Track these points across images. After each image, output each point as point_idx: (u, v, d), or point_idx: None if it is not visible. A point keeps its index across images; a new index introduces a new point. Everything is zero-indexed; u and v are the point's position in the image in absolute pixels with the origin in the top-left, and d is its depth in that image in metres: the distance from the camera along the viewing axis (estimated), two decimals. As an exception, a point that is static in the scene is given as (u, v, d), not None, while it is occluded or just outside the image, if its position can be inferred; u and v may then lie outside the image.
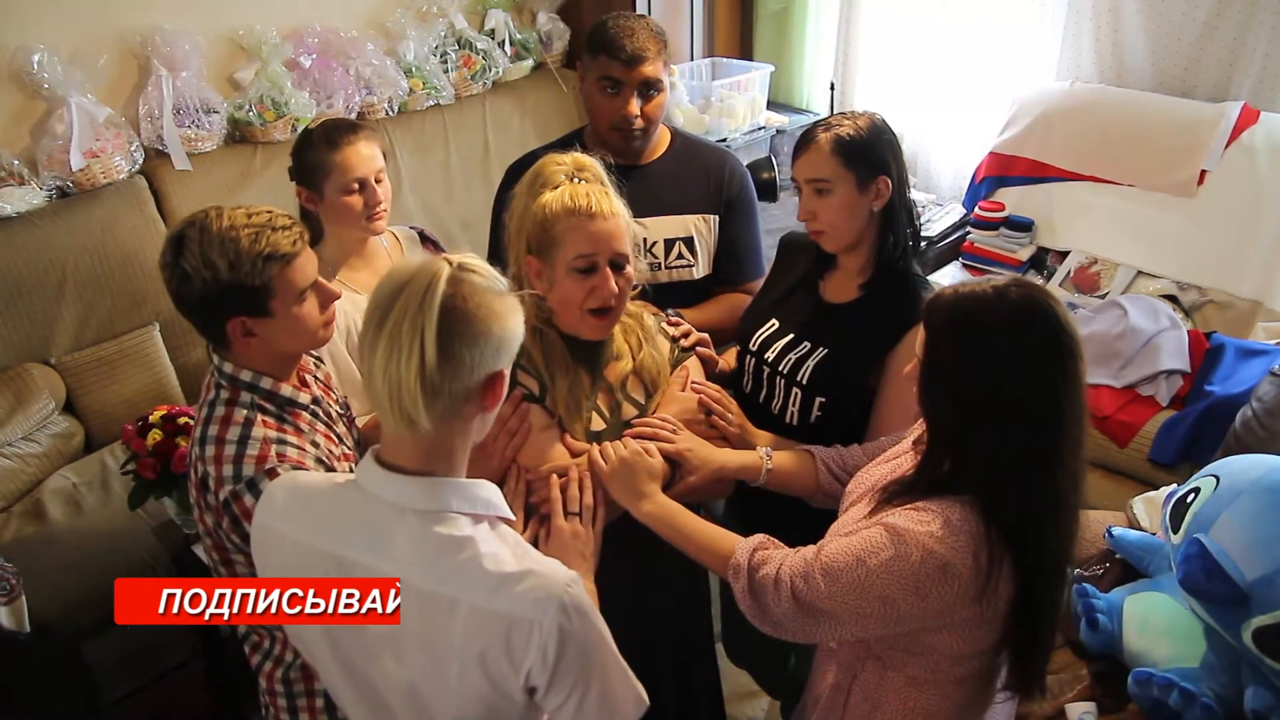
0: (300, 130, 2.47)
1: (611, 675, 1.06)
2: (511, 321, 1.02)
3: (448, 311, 0.97)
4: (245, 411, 1.33)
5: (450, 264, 1.00)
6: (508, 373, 1.05)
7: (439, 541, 1.01)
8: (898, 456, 1.34)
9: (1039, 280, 3.05)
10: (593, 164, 1.43)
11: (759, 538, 1.30)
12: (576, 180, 1.40)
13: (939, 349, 1.15)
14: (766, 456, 1.48)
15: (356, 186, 1.78)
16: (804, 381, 1.58)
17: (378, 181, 1.81)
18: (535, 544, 1.30)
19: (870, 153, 1.51)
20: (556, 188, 1.39)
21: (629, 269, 1.41)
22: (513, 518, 1.10)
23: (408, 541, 1.02)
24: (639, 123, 1.82)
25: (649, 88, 1.80)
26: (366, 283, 1.87)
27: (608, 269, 1.38)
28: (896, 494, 1.20)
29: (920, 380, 1.18)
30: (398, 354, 0.96)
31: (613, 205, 1.39)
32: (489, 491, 1.07)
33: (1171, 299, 2.83)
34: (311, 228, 1.51)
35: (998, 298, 1.12)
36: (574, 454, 1.41)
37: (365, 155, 1.79)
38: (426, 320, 0.96)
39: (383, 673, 1.07)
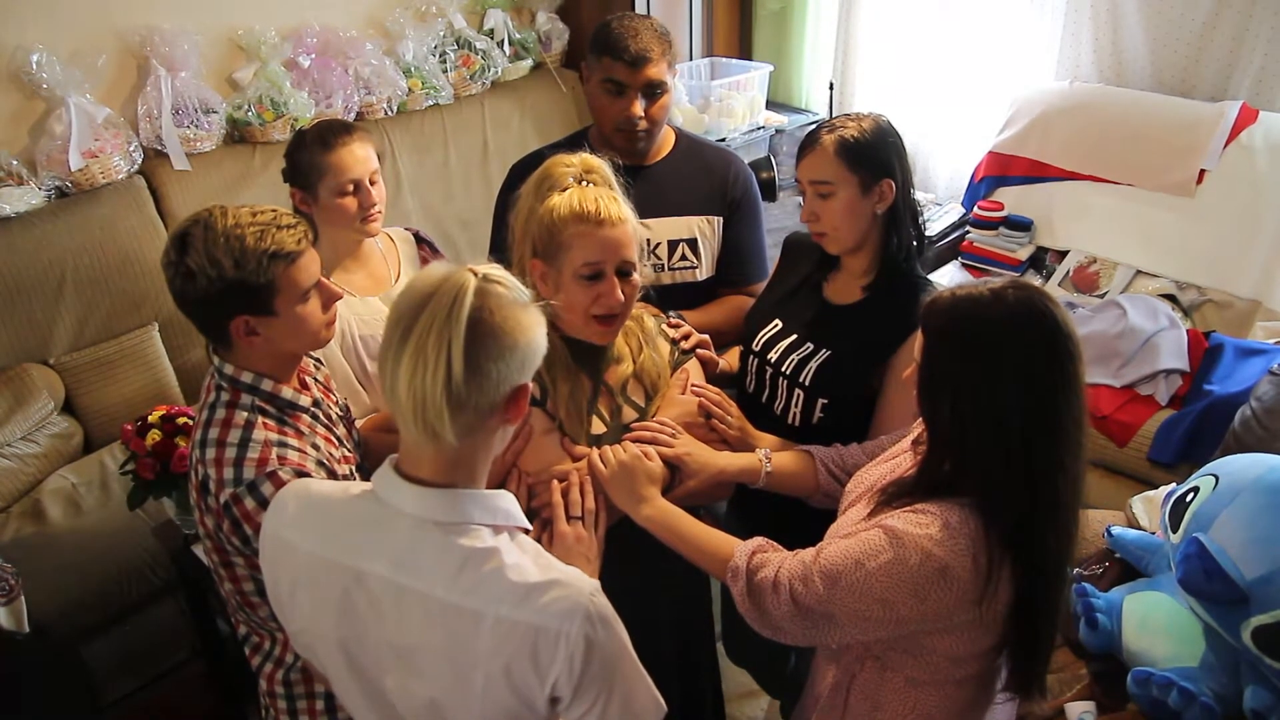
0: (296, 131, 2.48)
1: (633, 683, 1.05)
2: (536, 333, 1.01)
3: (475, 324, 0.95)
4: (246, 414, 1.33)
5: (475, 275, 0.99)
6: (530, 385, 1.04)
7: (462, 554, 1.00)
8: (896, 456, 1.34)
9: (1038, 280, 3.05)
10: (601, 166, 1.42)
11: (757, 541, 1.30)
12: (584, 183, 1.39)
13: (937, 353, 1.15)
14: (765, 459, 1.48)
15: (351, 188, 1.78)
16: (806, 383, 1.57)
17: (372, 183, 1.80)
18: None
19: (874, 155, 1.50)
20: (564, 190, 1.38)
21: (635, 275, 1.40)
22: (529, 527, 1.09)
23: (430, 554, 1.01)
24: (643, 124, 1.81)
25: (653, 89, 1.80)
26: (361, 285, 1.86)
27: (614, 277, 1.37)
28: (895, 495, 1.20)
29: (919, 384, 1.17)
30: (423, 367, 0.95)
31: (620, 211, 1.37)
32: (508, 502, 1.06)
33: (1170, 298, 2.83)
34: None
35: (995, 300, 1.12)
36: (574, 458, 1.41)
37: (360, 156, 1.78)
38: (454, 333, 0.94)
39: (400, 687, 1.05)
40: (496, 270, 1.02)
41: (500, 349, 0.97)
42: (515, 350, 0.98)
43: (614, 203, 1.37)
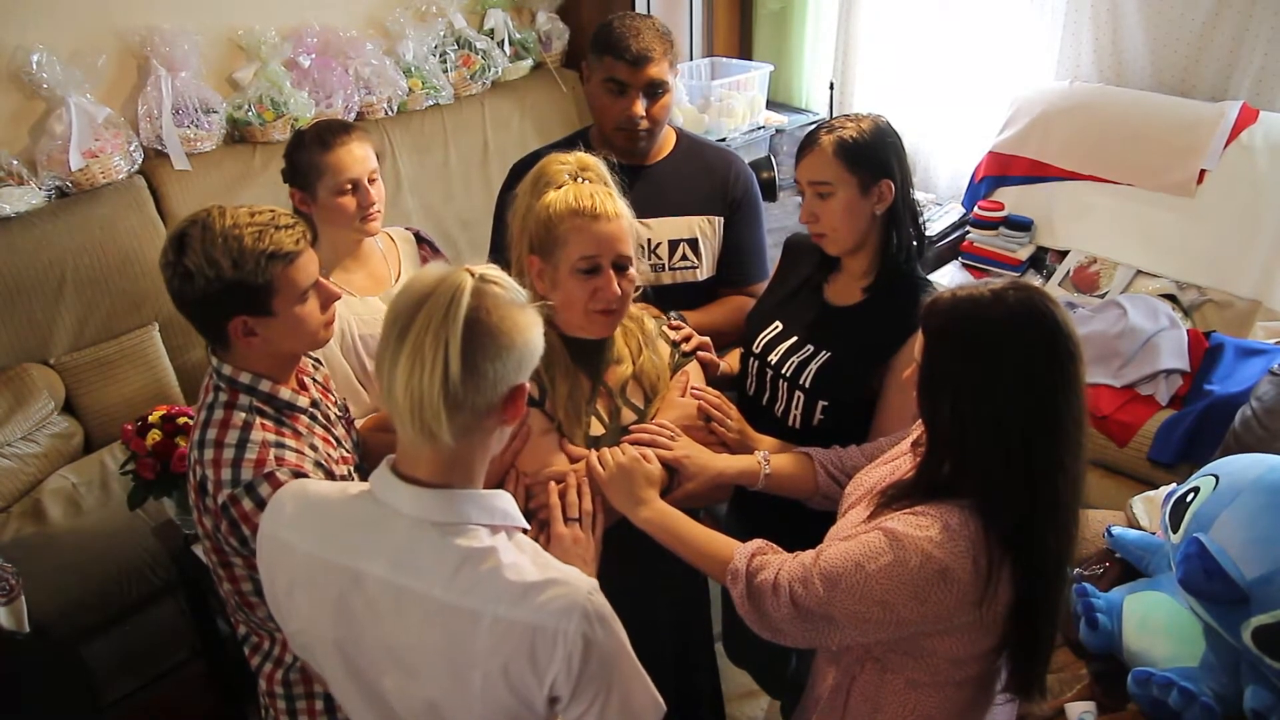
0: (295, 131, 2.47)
1: (632, 682, 1.05)
2: (533, 334, 1.01)
3: (472, 324, 0.95)
4: (244, 414, 1.33)
5: (472, 275, 0.99)
6: (528, 385, 1.04)
7: (460, 554, 1.00)
8: (896, 458, 1.34)
9: (1038, 280, 3.05)
10: (596, 164, 1.43)
11: (757, 543, 1.30)
12: (580, 180, 1.40)
13: (937, 354, 1.15)
14: (764, 461, 1.47)
15: (350, 187, 1.78)
16: (806, 385, 1.57)
17: (371, 182, 1.80)
18: None
19: (873, 156, 1.50)
20: (560, 187, 1.38)
21: (632, 270, 1.40)
22: (527, 527, 1.09)
23: (428, 554, 1.00)
24: (644, 124, 1.81)
25: (655, 89, 1.80)
26: (361, 285, 1.86)
27: (611, 270, 1.37)
28: (895, 497, 1.20)
29: (919, 385, 1.17)
30: (420, 367, 0.95)
31: (616, 206, 1.38)
32: (505, 502, 1.06)
33: (1171, 298, 2.83)
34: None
35: (995, 301, 1.11)
36: (573, 459, 1.41)
37: (358, 156, 1.78)
38: (451, 333, 0.94)
39: (399, 688, 1.05)
40: (493, 271, 1.02)
41: (497, 349, 0.97)
42: (512, 350, 0.98)
43: (610, 198, 1.38)
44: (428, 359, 0.95)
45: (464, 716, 1.03)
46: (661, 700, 1.09)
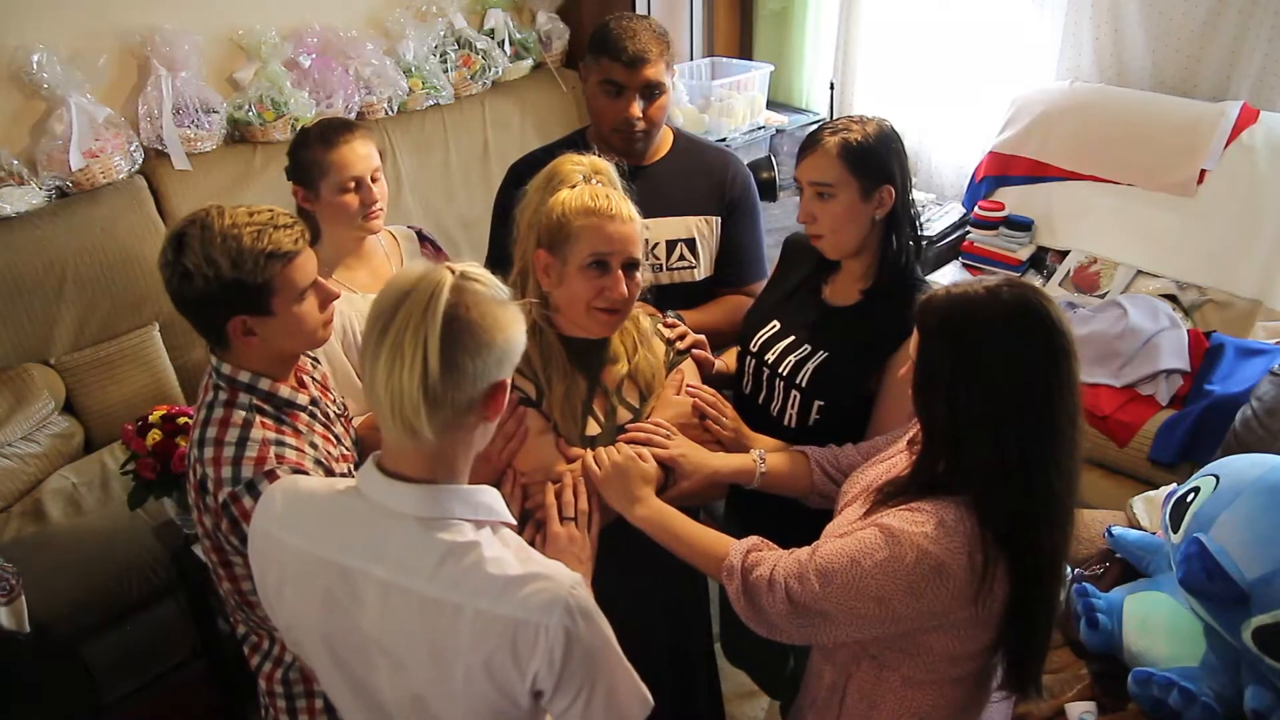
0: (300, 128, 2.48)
1: (617, 677, 1.06)
2: (514, 330, 1.02)
3: (451, 321, 0.96)
4: (243, 413, 1.33)
5: (453, 272, 0.99)
6: (510, 382, 1.04)
7: (443, 548, 1.00)
8: (892, 456, 1.34)
9: (1039, 280, 3.05)
10: (608, 168, 1.44)
11: (752, 540, 1.30)
12: (594, 182, 1.41)
13: (932, 350, 1.15)
14: (760, 460, 1.47)
15: (353, 185, 1.78)
16: (803, 384, 1.57)
17: (374, 180, 1.81)
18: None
19: (876, 161, 1.50)
20: (573, 186, 1.40)
21: (639, 274, 1.41)
22: (514, 522, 1.10)
23: (412, 549, 1.01)
24: (641, 125, 1.81)
25: (651, 90, 1.80)
26: (364, 282, 1.87)
27: (620, 270, 1.38)
28: (891, 494, 1.20)
29: (914, 382, 1.17)
30: (400, 364, 0.95)
31: (630, 210, 1.40)
32: (490, 497, 1.07)
33: (1171, 298, 2.83)
34: (309, 227, 1.51)
35: (990, 298, 1.12)
36: (569, 459, 1.41)
37: (361, 154, 1.78)
38: (430, 330, 0.95)
39: (385, 682, 1.06)
40: (474, 268, 1.03)
41: (477, 345, 0.98)
42: (492, 347, 0.99)
43: (624, 201, 1.40)
44: (407, 356, 0.95)
45: (449, 710, 1.04)
46: (649, 696, 1.09)
